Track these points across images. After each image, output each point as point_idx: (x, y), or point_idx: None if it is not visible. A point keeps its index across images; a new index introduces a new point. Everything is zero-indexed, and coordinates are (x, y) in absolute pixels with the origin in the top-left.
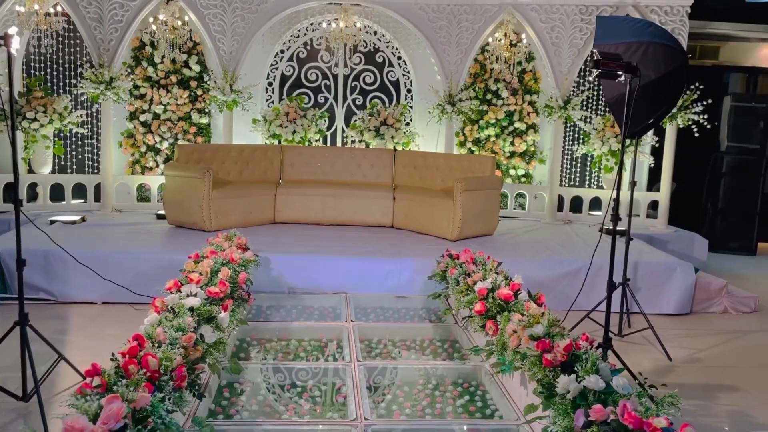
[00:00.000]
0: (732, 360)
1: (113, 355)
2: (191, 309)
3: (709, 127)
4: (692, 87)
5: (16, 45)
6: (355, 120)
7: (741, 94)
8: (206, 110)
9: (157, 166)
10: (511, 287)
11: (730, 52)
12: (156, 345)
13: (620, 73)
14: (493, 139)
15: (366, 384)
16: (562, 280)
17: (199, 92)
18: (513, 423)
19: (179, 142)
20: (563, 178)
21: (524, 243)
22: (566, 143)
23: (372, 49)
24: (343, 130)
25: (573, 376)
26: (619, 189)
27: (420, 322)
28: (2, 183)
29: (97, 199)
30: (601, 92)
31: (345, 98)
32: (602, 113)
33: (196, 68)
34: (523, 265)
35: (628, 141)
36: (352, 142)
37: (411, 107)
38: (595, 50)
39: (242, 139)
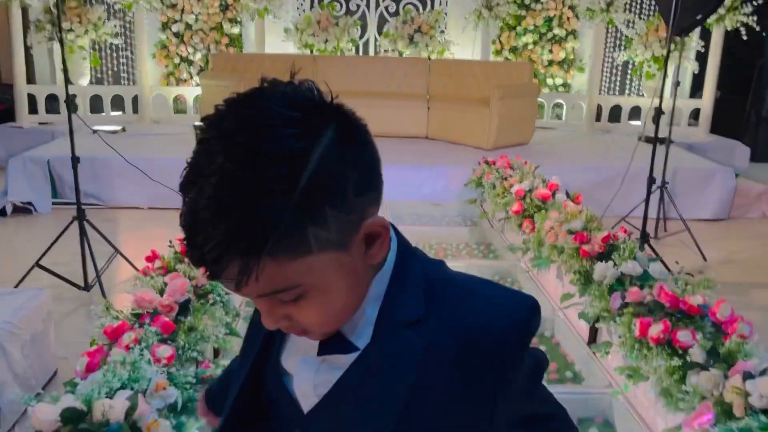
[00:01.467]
0: (767, 261)
1: (170, 242)
2: None
3: (759, 29)
4: None
5: None
6: (388, 28)
7: None
8: (237, 19)
9: (191, 77)
10: (549, 187)
11: None
12: None
13: None
14: (530, 46)
15: None
16: (599, 186)
17: (230, 0)
18: (549, 312)
19: (213, 52)
20: (602, 87)
21: (561, 151)
22: (607, 50)
23: None
24: (375, 39)
25: (610, 263)
26: (664, 87)
27: (455, 227)
28: (44, 94)
29: (135, 110)
30: None
31: (377, 5)
32: (646, 17)
33: None
34: (560, 171)
35: (673, 45)
36: (385, 51)
37: (446, 14)
38: None
39: (273, 49)
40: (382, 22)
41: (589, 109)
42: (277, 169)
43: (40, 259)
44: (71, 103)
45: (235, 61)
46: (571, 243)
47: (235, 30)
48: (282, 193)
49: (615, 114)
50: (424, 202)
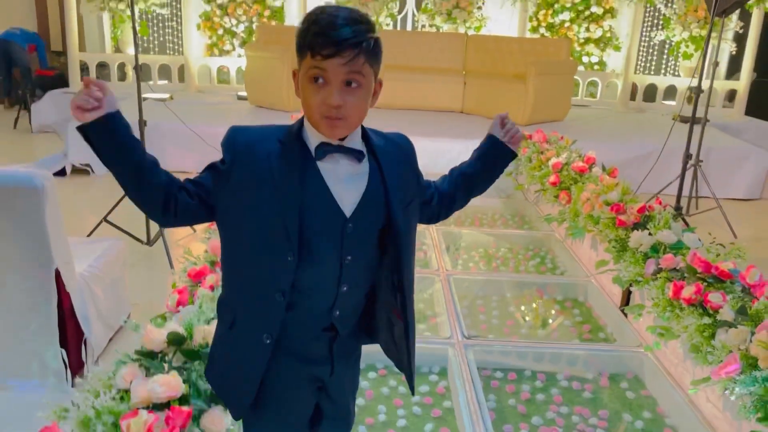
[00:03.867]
0: None
1: None
2: None
3: None
4: None
5: None
6: (427, 3)
7: None
8: None
9: (234, 49)
10: (586, 160)
11: None
12: None
13: None
14: (567, 24)
15: (444, 245)
16: (632, 163)
17: None
18: (582, 278)
19: (256, 24)
20: (638, 66)
21: (595, 128)
22: (644, 29)
23: None
24: (414, 14)
25: (646, 231)
26: (703, 67)
27: (489, 198)
28: (95, 62)
29: (181, 79)
30: None
31: None
32: None
33: None
34: (595, 146)
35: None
36: (423, 26)
37: None
38: None
39: None
40: None
41: (624, 88)
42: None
43: (108, 214)
44: (139, 70)
45: (279, 33)
46: (608, 213)
47: (278, 3)
48: (376, 35)
49: (649, 93)
50: None
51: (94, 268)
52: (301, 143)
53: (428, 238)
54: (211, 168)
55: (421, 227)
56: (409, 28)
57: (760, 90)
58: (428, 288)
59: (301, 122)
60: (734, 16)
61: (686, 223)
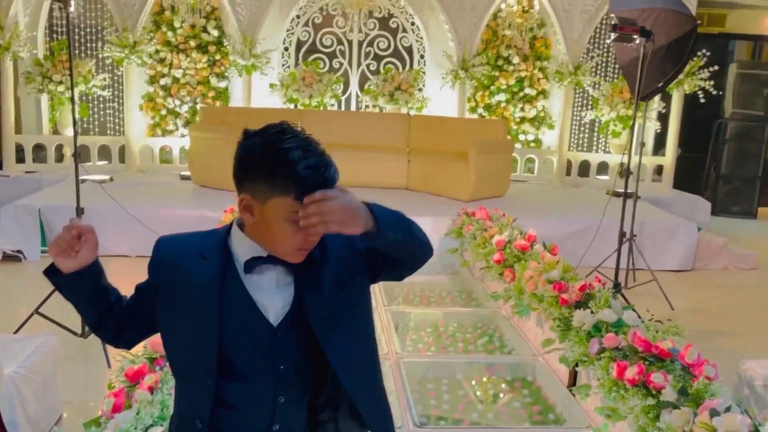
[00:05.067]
0: (730, 311)
1: None
2: None
3: (715, 93)
4: (699, 54)
5: (72, 8)
6: (370, 85)
7: (746, 62)
8: (224, 74)
9: (177, 129)
10: (527, 239)
11: (736, 20)
12: None
13: (635, 36)
14: (503, 104)
15: (393, 326)
16: (571, 238)
17: (218, 57)
18: (529, 357)
19: (201, 105)
20: (571, 143)
21: (534, 204)
22: (575, 109)
23: (386, 15)
24: (357, 95)
25: (588, 310)
26: (631, 147)
27: (436, 275)
28: (31, 143)
29: (122, 160)
30: (610, 58)
31: (359, 64)
32: (611, 79)
33: (215, 33)
34: (534, 223)
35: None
36: (367, 106)
37: (424, 72)
38: (612, 15)
39: (258, 103)
40: (363, 79)
41: (559, 164)
42: None
43: (40, 306)
44: (78, 155)
45: (223, 114)
46: (551, 291)
47: (222, 84)
48: None
49: (583, 169)
50: None
51: (23, 369)
52: (227, 254)
53: (377, 319)
54: (138, 290)
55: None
56: (353, 108)
57: (686, 164)
58: None
59: (228, 230)
60: (657, 98)
61: (626, 299)
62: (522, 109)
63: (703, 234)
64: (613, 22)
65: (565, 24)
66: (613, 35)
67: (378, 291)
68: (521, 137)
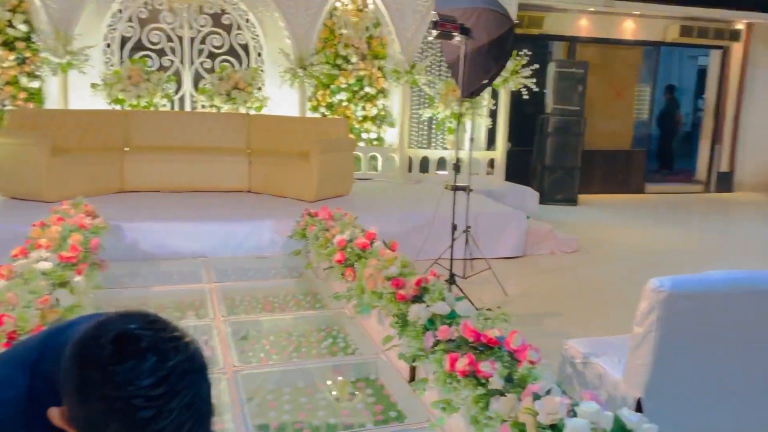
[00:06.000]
0: (556, 293)
1: None
2: (43, 273)
3: (537, 90)
4: (521, 53)
5: None
6: (205, 84)
7: (563, 61)
8: (37, 74)
9: None
10: (367, 237)
11: (553, 22)
12: (10, 309)
13: (455, 34)
14: (345, 103)
15: (232, 336)
16: (413, 232)
17: (28, 54)
18: (372, 356)
19: (8, 108)
20: (412, 141)
21: (378, 201)
22: (413, 107)
23: (219, 11)
24: (192, 95)
25: (423, 304)
26: (457, 145)
27: (281, 279)
28: None
29: None
30: (443, 57)
31: (192, 61)
32: (446, 78)
33: (23, 28)
34: (378, 219)
35: (468, 103)
36: (203, 106)
37: (262, 71)
38: (434, 12)
39: (81, 105)
40: (197, 78)
41: (401, 161)
42: None
43: None
44: None
45: (35, 117)
46: (389, 288)
47: (35, 84)
48: None
49: (424, 165)
50: (250, 256)
51: None
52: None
53: (215, 331)
54: None
55: (206, 321)
56: (187, 108)
57: (516, 158)
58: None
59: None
60: (486, 96)
61: (460, 290)
62: (363, 108)
63: (532, 222)
64: (433, 19)
65: (398, 23)
66: (434, 32)
67: (215, 300)
68: (364, 136)
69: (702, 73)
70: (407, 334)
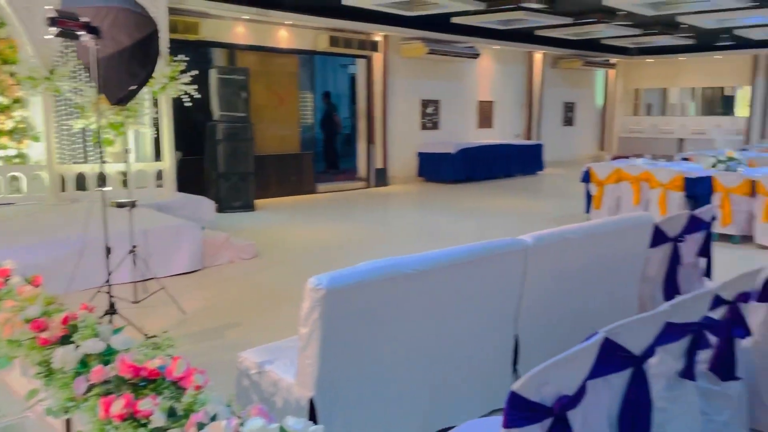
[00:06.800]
0: (236, 302)
1: None
2: None
3: (199, 97)
4: (177, 59)
5: None
6: None
7: (224, 67)
8: None
9: None
10: (1, 273)
11: (210, 28)
12: None
13: (81, 33)
14: None
15: None
16: (67, 259)
17: None
18: (17, 416)
19: None
20: (65, 156)
21: (23, 227)
22: (62, 118)
23: None
24: None
25: (71, 346)
26: (100, 158)
27: None
28: None
29: None
30: None
31: None
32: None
33: None
34: (18, 251)
35: (127, 111)
36: None
37: None
38: (50, 8)
39: None
40: None
41: (51, 180)
42: None
43: None
44: None
45: None
46: (29, 333)
47: None
48: None
49: (82, 182)
50: None
51: None
52: None
53: None
54: None
55: None
56: None
57: (187, 167)
58: None
59: None
60: (147, 104)
61: (126, 319)
62: None
63: (208, 232)
64: (50, 15)
65: (28, 24)
66: (52, 29)
67: None
68: (1, 153)
69: (354, 81)
70: (56, 383)
